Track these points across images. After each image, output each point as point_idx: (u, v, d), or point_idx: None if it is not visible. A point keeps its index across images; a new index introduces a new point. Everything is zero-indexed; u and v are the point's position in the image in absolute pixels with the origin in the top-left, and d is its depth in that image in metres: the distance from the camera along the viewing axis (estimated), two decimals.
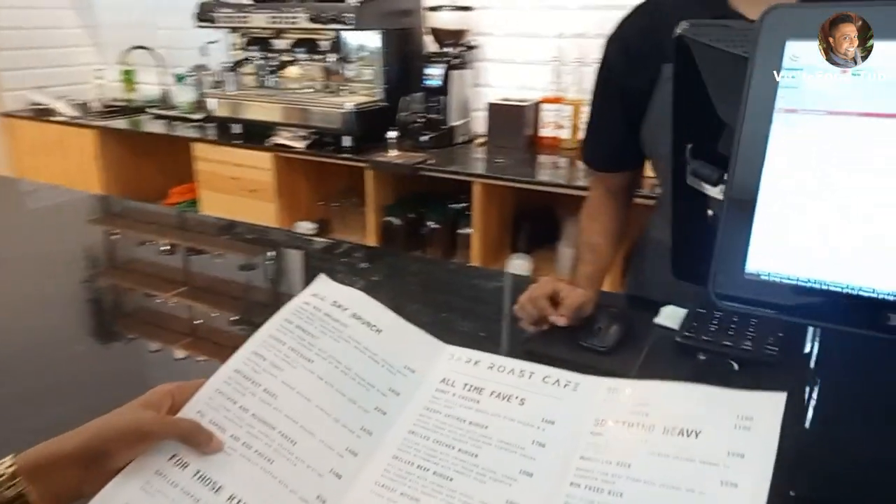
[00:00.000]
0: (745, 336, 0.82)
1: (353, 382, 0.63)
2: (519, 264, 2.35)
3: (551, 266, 2.37)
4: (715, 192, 0.65)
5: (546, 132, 2.49)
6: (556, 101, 2.47)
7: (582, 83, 2.46)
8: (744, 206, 0.49)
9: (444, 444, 0.60)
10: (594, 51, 2.38)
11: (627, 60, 1.02)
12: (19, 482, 0.47)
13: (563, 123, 2.46)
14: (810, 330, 0.70)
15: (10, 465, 0.48)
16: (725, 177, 0.63)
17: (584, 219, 1.14)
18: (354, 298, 0.70)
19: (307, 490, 0.55)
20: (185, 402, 0.58)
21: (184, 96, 3.08)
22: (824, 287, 0.46)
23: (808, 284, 0.47)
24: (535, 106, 2.50)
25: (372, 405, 0.63)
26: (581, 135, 2.44)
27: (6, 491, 0.46)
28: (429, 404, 0.64)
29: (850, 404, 0.61)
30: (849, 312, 0.46)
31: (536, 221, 2.46)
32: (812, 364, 0.67)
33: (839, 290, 0.46)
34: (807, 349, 0.73)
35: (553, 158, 2.40)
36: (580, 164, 2.30)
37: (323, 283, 0.71)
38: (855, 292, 0.45)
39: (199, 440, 0.55)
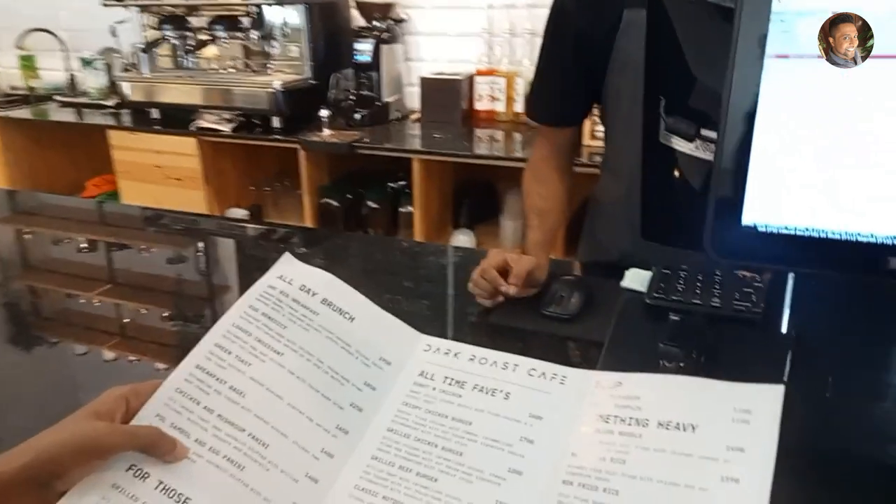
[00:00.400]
0: (712, 293, 0.83)
1: (326, 377, 0.59)
2: (462, 240, 2.33)
3: (495, 239, 2.36)
4: (689, 147, 0.64)
5: (481, 105, 2.46)
6: (490, 73, 2.45)
7: (514, 54, 2.45)
8: (737, 157, 0.47)
9: (425, 442, 0.57)
10: (525, 21, 2.40)
11: (585, 7, 0.98)
12: None
13: (497, 96, 2.44)
14: (787, 282, 0.70)
15: None
16: (702, 131, 0.62)
17: (529, 183, 1.11)
18: (324, 282, 0.66)
19: (282, 497, 0.51)
20: (142, 405, 0.52)
21: (93, 82, 2.87)
22: (823, 235, 0.45)
23: (807, 233, 0.46)
24: (469, 79, 2.47)
25: (347, 401, 0.59)
26: (517, 107, 2.45)
27: None
28: (407, 399, 0.61)
29: (825, 353, 0.62)
30: (848, 259, 0.45)
31: (477, 196, 2.45)
32: (786, 316, 0.67)
33: (838, 237, 0.45)
34: (776, 301, 0.74)
35: (490, 132, 2.38)
36: (517, 137, 2.30)
37: (288, 263, 0.66)
38: (854, 238, 0.45)
39: (162, 449, 0.49)
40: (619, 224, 1.11)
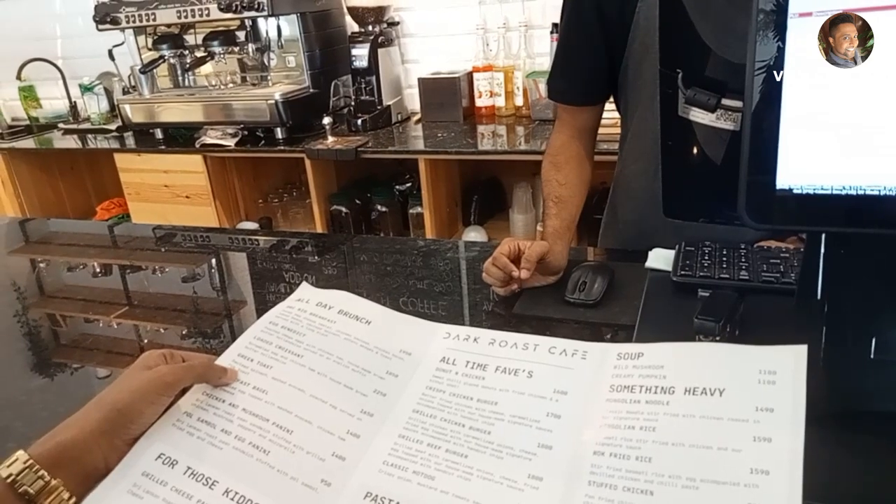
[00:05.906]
0: (739, 266, 0.82)
1: (346, 370, 0.61)
2: (473, 237, 2.33)
3: (506, 234, 2.36)
4: (710, 119, 0.64)
5: (482, 102, 2.46)
6: (487, 69, 2.45)
7: (510, 49, 2.44)
8: (767, 120, 0.47)
9: (453, 422, 0.57)
10: (518, 14, 2.39)
11: None
12: (43, 474, 0.46)
13: (496, 91, 2.44)
14: (818, 249, 0.69)
15: (27, 460, 0.46)
16: (723, 101, 0.62)
17: (548, 170, 1.10)
18: (339, 297, 0.69)
19: (309, 475, 0.52)
20: (176, 364, 0.57)
21: (94, 107, 2.88)
22: (860, 192, 0.45)
23: (844, 192, 0.46)
24: (468, 76, 2.46)
25: (370, 389, 0.60)
26: (518, 101, 2.44)
27: (32, 484, 0.45)
28: (431, 384, 0.61)
29: (863, 318, 0.61)
30: (888, 215, 0.45)
31: (484, 192, 2.45)
32: (819, 288, 0.66)
33: (876, 193, 0.45)
34: (807, 269, 0.73)
35: (492, 127, 2.38)
36: (520, 130, 2.29)
37: (305, 289, 0.70)
38: (893, 193, 0.44)
39: (215, 374, 0.57)
40: (641, 203, 1.10)
